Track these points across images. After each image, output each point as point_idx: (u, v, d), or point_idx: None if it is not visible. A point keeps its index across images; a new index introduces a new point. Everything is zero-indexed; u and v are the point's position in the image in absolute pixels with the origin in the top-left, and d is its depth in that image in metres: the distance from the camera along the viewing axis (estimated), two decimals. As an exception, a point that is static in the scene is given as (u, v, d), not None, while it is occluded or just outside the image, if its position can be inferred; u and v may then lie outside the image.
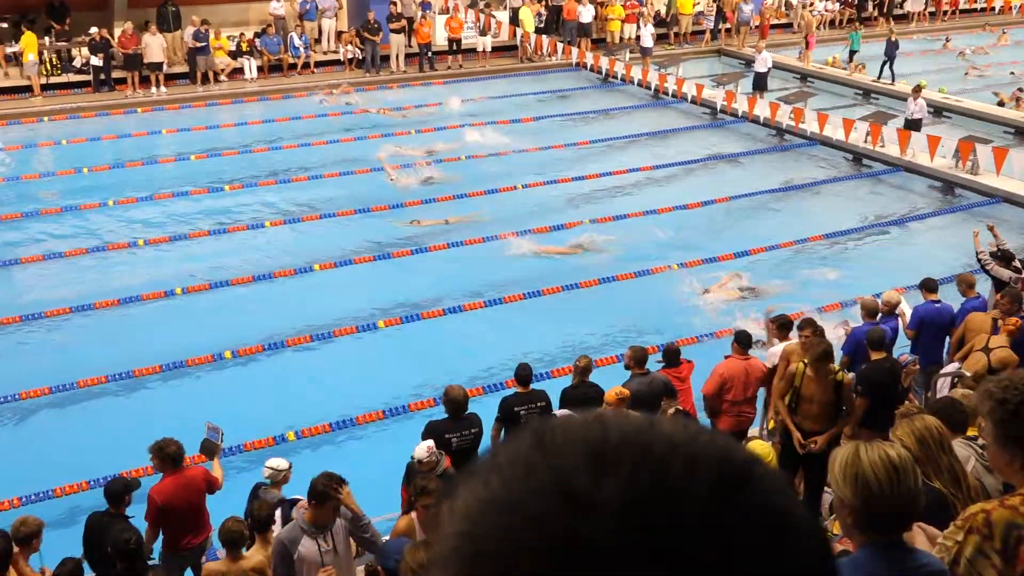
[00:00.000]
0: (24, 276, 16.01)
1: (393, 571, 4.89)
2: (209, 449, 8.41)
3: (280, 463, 8.34)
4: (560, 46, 29.94)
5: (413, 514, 6.97)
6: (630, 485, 0.79)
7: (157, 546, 8.06)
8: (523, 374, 9.67)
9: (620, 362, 10.96)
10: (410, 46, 29.11)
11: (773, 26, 33.56)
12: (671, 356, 10.37)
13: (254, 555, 7.10)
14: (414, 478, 7.70)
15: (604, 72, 28.82)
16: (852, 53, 30.37)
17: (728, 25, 33.24)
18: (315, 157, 21.43)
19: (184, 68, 26.61)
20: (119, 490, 7.77)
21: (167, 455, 7.92)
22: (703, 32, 33.45)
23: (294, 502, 7.99)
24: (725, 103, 25.55)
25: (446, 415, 8.92)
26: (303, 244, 17.04)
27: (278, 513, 7.96)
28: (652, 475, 0.80)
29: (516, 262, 16.57)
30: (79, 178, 20.22)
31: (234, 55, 27.19)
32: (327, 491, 6.09)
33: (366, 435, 11.82)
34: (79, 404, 12.46)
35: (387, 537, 7.86)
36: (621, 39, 31.72)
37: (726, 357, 10.44)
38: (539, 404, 9.53)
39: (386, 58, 28.26)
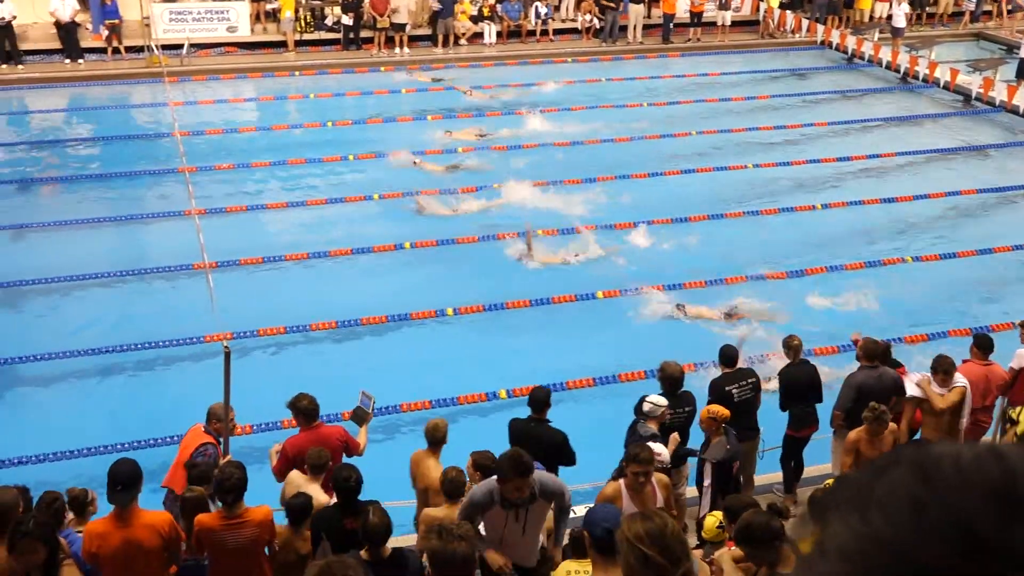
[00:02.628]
0: (269, 221, 16.99)
1: (602, 538, 4.84)
2: (360, 416, 8.63)
3: (660, 400, 8.51)
4: (805, 23, 28.87)
5: (621, 480, 6.92)
6: None
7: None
8: (729, 354, 9.45)
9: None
10: (648, 17, 28.85)
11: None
12: (884, 354, 9.80)
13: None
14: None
15: (850, 52, 27.59)
16: None
17: (988, 8, 31.08)
18: (550, 124, 21.59)
19: (428, 30, 27.45)
20: (543, 397, 8.38)
21: (299, 409, 8.18)
22: (962, 13, 31.40)
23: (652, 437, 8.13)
24: (981, 90, 23.92)
25: (661, 391, 8.83)
26: (532, 208, 17.19)
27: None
28: None
29: (737, 241, 16.20)
30: (323, 131, 21.26)
31: (475, 19, 27.77)
32: (517, 468, 6.03)
33: (574, 400, 11.86)
34: (309, 346, 13.14)
35: (589, 505, 7.89)
36: (871, 17, 30.24)
37: (964, 361, 9.79)
38: (750, 381, 9.34)
39: (624, 28, 28.12)
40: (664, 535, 3.76)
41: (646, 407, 8.43)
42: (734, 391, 9.07)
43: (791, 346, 9.75)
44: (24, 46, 24.98)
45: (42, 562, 5.68)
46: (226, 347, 7.42)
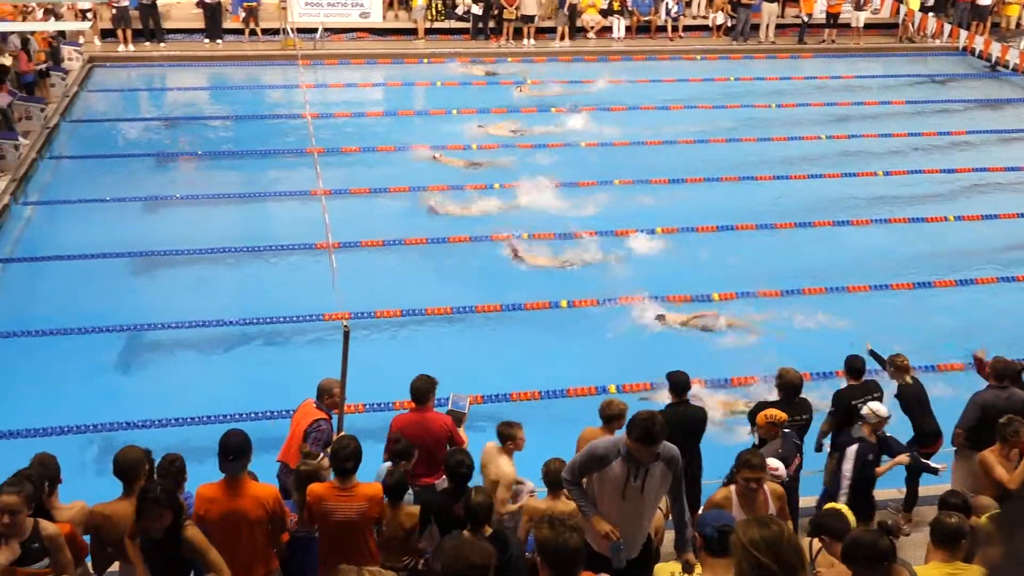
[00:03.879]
0: (390, 204, 17.22)
1: (712, 538, 4.76)
2: (456, 418, 8.64)
3: (882, 410, 8.40)
4: (947, 27, 27.85)
5: (732, 487, 6.78)
6: None
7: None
8: (855, 365, 9.17)
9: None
10: (782, 17, 28.28)
11: None
12: (1015, 376, 9.33)
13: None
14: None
15: (993, 59, 26.51)
16: None
17: None
18: (674, 122, 21.35)
19: (552, 23, 27.48)
20: (684, 380, 8.60)
21: (412, 388, 8.23)
22: (1118, 23, 29.87)
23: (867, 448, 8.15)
24: None
25: (779, 398, 8.66)
26: (652, 205, 17.03)
27: (853, 449, 8.08)
28: None
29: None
30: (447, 119, 21.45)
31: (605, 13, 27.64)
32: (652, 435, 5.82)
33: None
34: (422, 329, 13.29)
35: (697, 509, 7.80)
36: (1018, 24, 29.00)
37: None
38: (875, 395, 9.04)
39: (756, 27, 27.61)
40: (780, 543, 3.66)
41: (864, 410, 8.37)
42: (859, 405, 8.80)
43: (899, 365, 9.34)
44: (166, 25, 25.92)
45: (168, 525, 5.89)
46: (346, 327, 7.53)
